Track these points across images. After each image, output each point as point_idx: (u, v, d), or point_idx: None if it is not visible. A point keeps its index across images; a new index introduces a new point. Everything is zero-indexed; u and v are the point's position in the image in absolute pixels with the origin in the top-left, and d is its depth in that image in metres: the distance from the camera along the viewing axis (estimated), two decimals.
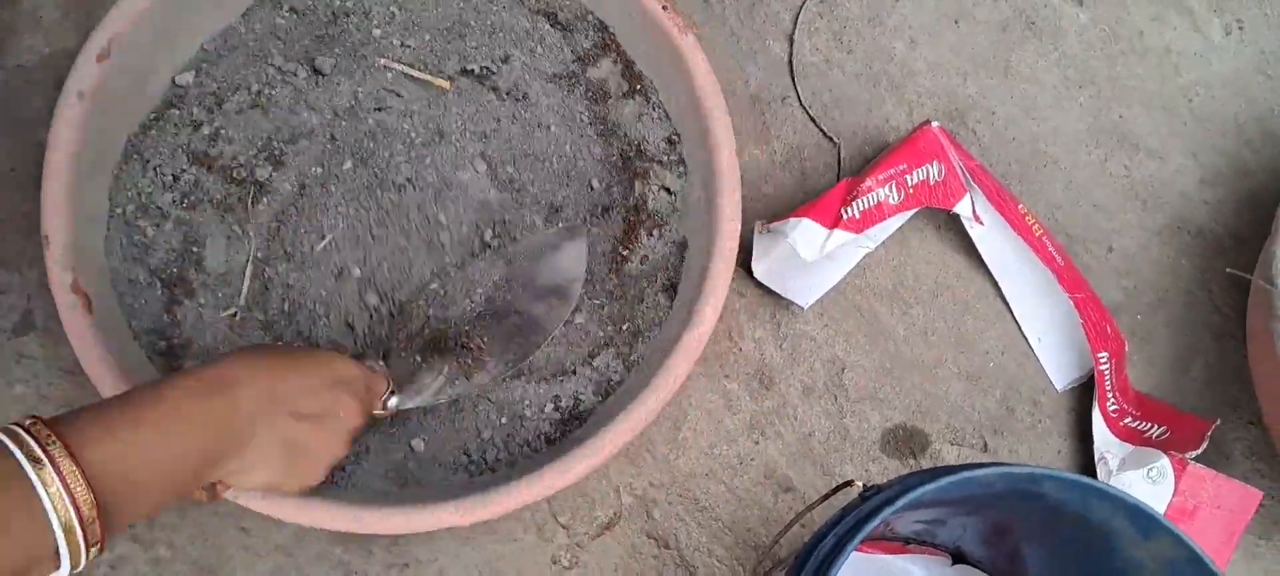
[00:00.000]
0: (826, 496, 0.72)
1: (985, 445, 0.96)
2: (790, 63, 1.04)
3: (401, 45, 0.91)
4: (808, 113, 1.03)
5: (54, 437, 0.48)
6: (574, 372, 0.85)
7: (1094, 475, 0.94)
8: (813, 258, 0.92)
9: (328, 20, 0.91)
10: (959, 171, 0.94)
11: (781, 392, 0.96)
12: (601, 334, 0.86)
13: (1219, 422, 0.92)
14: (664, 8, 0.85)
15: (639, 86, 0.91)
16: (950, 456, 0.96)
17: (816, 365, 0.97)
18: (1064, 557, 0.75)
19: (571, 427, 0.83)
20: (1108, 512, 0.65)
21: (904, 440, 0.96)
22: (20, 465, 0.46)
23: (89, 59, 0.79)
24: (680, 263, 0.88)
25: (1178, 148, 1.06)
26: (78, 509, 0.47)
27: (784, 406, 0.95)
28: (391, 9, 0.92)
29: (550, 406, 0.84)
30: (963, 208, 0.94)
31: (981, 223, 0.96)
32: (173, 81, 0.87)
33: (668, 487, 0.92)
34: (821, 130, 1.03)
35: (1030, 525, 0.74)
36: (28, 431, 0.48)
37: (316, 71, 0.89)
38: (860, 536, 0.62)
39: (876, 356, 0.97)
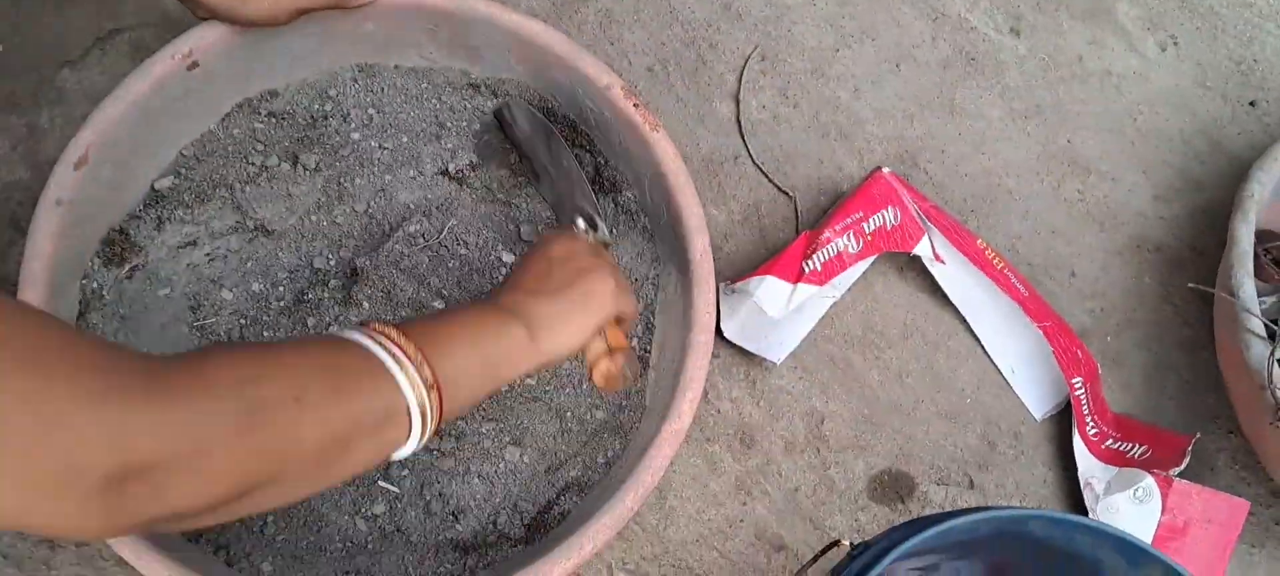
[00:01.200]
0: (815, 558, 0.72)
1: (971, 482, 0.96)
2: (739, 122, 1.05)
3: (379, 148, 0.91)
4: (760, 169, 1.03)
5: (401, 335, 0.56)
6: (559, 468, 0.84)
7: (1081, 501, 0.93)
8: (779, 314, 0.92)
9: (306, 123, 0.91)
10: (914, 214, 0.95)
11: (764, 450, 0.95)
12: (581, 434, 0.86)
13: (1198, 436, 0.93)
14: (635, 106, 0.86)
15: (611, 183, 0.92)
16: (938, 497, 0.95)
17: (795, 419, 0.96)
18: None
19: (553, 525, 0.82)
20: (1094, 546, 0.64)
21: (890, 485, 0.96)
22: (374, 353, 0.55)
23: (67, 166, 0.79)
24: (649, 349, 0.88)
25: (1128, 167, 1.08)
26: (426, 390, 0.56)
27: (768, 464, 0.95)
28: (369, 111, 0.92)
29: (529, 506, 0.83)
30: (922, 249, 0.95)
31: (943, 261, 0.96)
32: (151, 187, 0.87)
33: (660, 559, 0.91)
34: (776, 185, 1.03)
35: (1023, 564, 0.73)
36: (380, 332, 0.56)
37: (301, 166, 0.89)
38: None
39: (854, 404, 0.97)
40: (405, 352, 0.56)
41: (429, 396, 0.56)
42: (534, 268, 0.70)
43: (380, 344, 0.55)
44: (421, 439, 0.57)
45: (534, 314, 0.65)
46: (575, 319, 0.67)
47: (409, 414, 0.55)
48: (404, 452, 0.57)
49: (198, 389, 0.46)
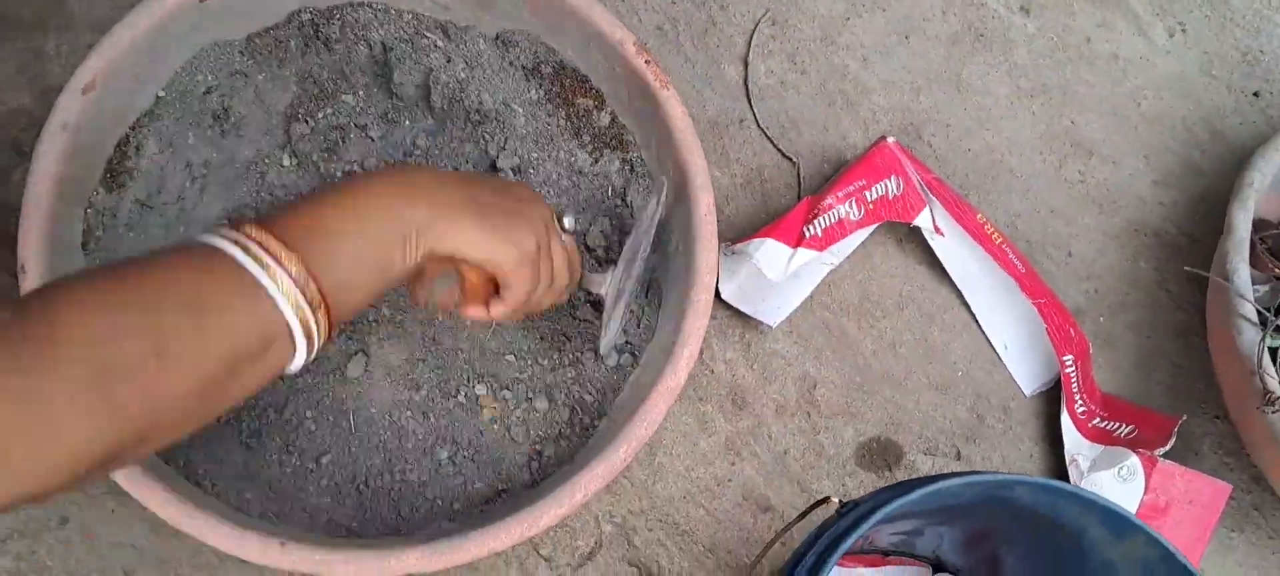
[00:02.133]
0: (804, 514, 0.73)
1: (959, 454, 0.97)
2: (746, 85, 1.05)
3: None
4: (765, 134, 1.04)
5: (275, 240, 0.50)
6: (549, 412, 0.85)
7: (1066, 478, 0.95)
8: (778, 277, 0.92)
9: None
10: (917, 185, 0.95)
11: (755, 412, 0.96)
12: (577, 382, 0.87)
13: (1185, 418, 0.94)
14: (646, 62, 0.86)
15: (621, 139, 0.92)
16: (925, 466, 0.96)
17: (788, 383, 0.97)
18: (1041, 561, 0.75)
19: (548, 472, 0.83)
20: (1080, 515, 0.65)
21: (878, 453, 0.97)
22: (246, 269, 0.49)
23: (75, 92, 0.80)
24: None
25: (1130, 151, 1.08)
26: (305, 295, 0.50)
27: (758, 426, 0.96)
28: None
29: (524, 456, 0.84)
30: (923, 220, 0.95)
31: (942, 234, 0.97)
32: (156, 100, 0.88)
33: (647, 514, 0.92)
34: (780, 150, 1.03)
35: (1006, 531, 0.74)
36: (252, 239, 0.50)
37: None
38: (839, 552, 0.62)
39: (847, 371, 0.98)
40: (282, 264, 0.49)
41: (315, 316, 0.51)
42: (463, 175, 0.63)
43: (252, 255, 0.49)
44: (309, 356, 0.52)
45: (442, 200, 0.58)
46: (489, 226, 0.60)
47: (292, 335, 0.50)
48: (292, 369, 0.53)
49: (46, 351, 0.41)
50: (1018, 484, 0.64)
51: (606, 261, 0.89)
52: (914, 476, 0.95)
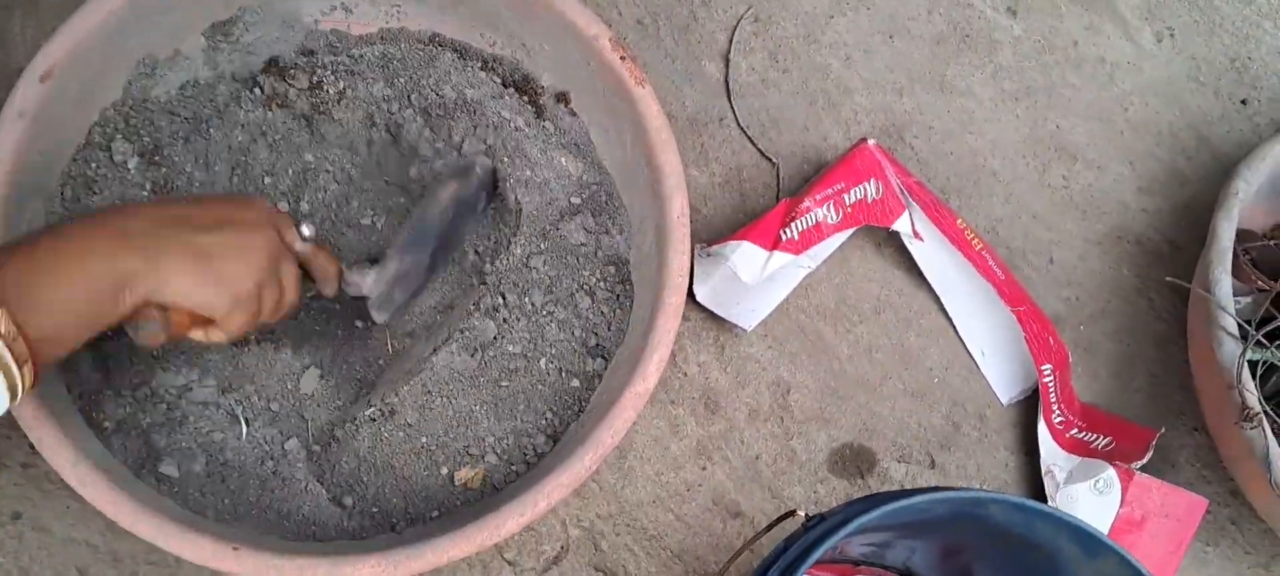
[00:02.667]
0: (770, 526, 0.71)
1: (933, 462, 0.96)
2: (727, 83, 1.03)
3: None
4: (745, 133, 1.02)
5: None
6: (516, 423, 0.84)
7: (1042, 488, 0.93)
8: (754, 280, 0.91)
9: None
10: (896, 188, 0.94)
11: (728, 416, 0.94)
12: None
13: (1163, 431, 0.92)
14: (622, 59, 0.84)
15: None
16: (898, 474, 0.95)
17: (762, 387, 0.96)
18: None
19: (512, 478, 0.81)
20: (1052, 534, 0.64)
21: (851, 460, 0.95)
22: None
23: (32, 80, 0.77)
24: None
25: (1115, 157, 1.07)
26: (12, 352, 0.50)
27: (731, 430, 0.94)
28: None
29: (494, 457, 0.82)
30: (901, 225, 0.94)
31: (921, 239, 0.95)
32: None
33: (615, 518, 0.90)
34: (760, 150, 1.02)
35: (978, 547, 0.73)
36: None
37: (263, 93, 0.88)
38: (805, 565, 0.61)
39: (821, 376, 0.97)
40: None
41: (21, 370, 0.51)
42: (183, 211, 0.63)
43: None
44: (10, 404, 0.52)
45: (156, 248, 0.58)
46: (203, 273, 0.61)
47: None
48: None
49: None
50: (991, 501, 0.63)
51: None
52: (887, 484, 0.94)
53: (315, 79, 0.89)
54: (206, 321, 0.65)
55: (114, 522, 0.69)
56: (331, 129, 0.89)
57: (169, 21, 0.84)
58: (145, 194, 0.83)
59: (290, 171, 0.88)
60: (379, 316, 0.79)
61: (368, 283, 0.77)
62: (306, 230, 0.73)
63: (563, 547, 0.89)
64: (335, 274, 0.75)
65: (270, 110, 0.88)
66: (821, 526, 0.64)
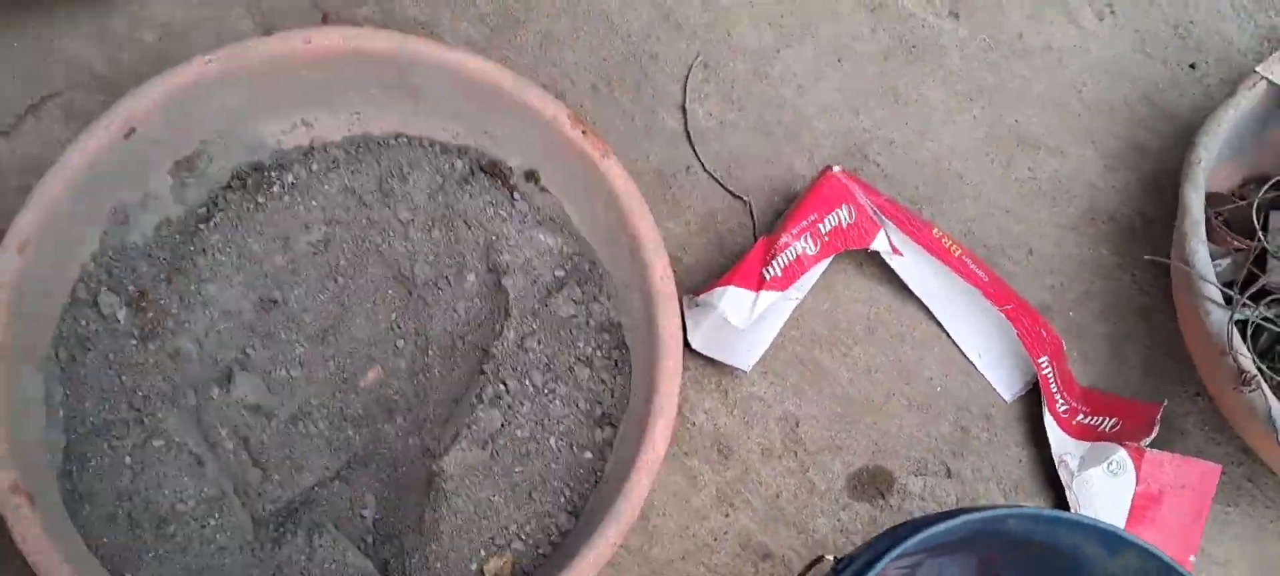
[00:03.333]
0: (801, 574, 0.72)
1: (948, 470, 0.97)
2: (687, 131, 1.04)
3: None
4: (713, 177, 1.03)
5: None
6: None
7: (1057, 478, 0.94)
8: (744, 323, 0.92)
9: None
10: (868, 210, 0.95)
11: (742, 459, 0.95)
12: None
13: (1166, 403, 0.93)
14: (583, 133, 0.85)
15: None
16: (916, 487, 0.96)
17: (771, 424, 0.96)
18: None
19: (541, 562, 0.82)
20: (1075, 538, 0.65)
21: (869, 482, 0.96)
22: None
23: (9, 251, 0.77)
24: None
25: (1075, 140, 1.08)
26: None
27: (747, 473, 0.95)
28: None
29: (520, 543, 0.83)
30: (879, 244, 0.95)
31: (900, 254, 0.97)
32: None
33: None
34: (729, 191, 1.03)
35: (1004, 558, 0.74)
36: None
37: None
38: None
39: (826, 404, 0.97)
40: None
41: None
42: None
43: None
44: None
45: None
46: None
47: None
48: None
49: None
50: (1010, 517, 0.64)
51: None
52: (907, 500, 0.94)
53: (283, 179, 0.90)
54: None
55: None
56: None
57: (132, 170, 0.85)
58: (135, 342, 0.84)
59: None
60: None
61: None
62: None
63: None
64: None
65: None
66: (852, 567, 0.65)
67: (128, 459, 0.81)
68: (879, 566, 0.62)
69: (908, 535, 0.63)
